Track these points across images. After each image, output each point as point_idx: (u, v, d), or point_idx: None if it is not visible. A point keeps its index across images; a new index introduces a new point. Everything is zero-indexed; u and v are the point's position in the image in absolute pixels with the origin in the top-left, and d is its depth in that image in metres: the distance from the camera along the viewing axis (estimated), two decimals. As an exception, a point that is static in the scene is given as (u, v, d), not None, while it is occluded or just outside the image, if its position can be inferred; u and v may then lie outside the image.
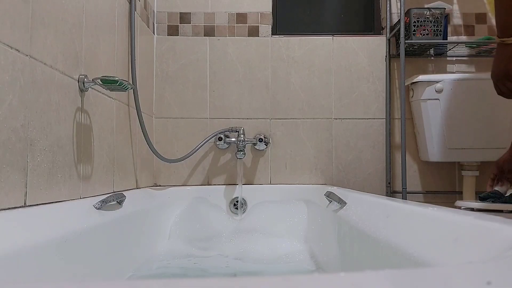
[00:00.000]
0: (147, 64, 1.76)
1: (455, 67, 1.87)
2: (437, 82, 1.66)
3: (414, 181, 1.84)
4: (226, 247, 1.45)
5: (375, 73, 1.87)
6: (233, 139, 1.80)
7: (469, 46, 1.78)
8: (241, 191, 1.78)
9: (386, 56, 1.86)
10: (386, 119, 1.84)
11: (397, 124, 1.86)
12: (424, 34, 1.69)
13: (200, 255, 1.40)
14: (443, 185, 1.84)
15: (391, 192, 1.81)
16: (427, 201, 1.83)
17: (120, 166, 1.39)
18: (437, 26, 1.68)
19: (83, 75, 1.08)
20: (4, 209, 0.76)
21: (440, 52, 1.85)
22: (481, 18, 1.87)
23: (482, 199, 1.58)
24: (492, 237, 0.48)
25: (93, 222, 0.94)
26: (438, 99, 1.67)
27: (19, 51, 0.81)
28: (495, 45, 1.72)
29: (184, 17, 1.88)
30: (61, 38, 0.98)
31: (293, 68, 1.87)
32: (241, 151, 1.72)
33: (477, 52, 1.84)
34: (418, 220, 0.69)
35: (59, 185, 0.96)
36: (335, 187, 1.52)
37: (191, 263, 1.32)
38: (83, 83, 1.07)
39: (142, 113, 1.47)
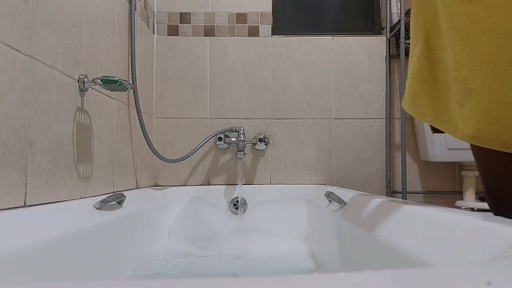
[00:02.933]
0: (147, 64, 1.76)
1: (455, 67, 1.87)
2: (437, 82, 1.66)
3: (414, 181, 1.84)
4: (225, 247, 1.45)
5: (375, 73, 1.87)
6: (233, 139, 1.80)
7: (469, 46, 1.78)
8: (241, 191, 1.78)
9: (386, 56, 1.86)
10: (386, 119, 1.84)
11: (397, 124, 1.85)
12: (424, 34, 1.68)
13: (200, 254, 1.41)
14: (443, 185, 1.84)
15: (391, 192, 1.81)
16: (427, 201, 1.83)
17: (120, 166, 1.39)
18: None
19: (83, 75, 1.08)
20: (4, 209, 0.76)
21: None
22: (481, 18, 1.87)
23: (482, 199, 1.58)
24: (492, 237, 0.48)
25: (93, 222, 0.94)
26: (438, 99, 1.67)
27: (19, 51, 0.81)
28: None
29: (184, 17, 1.88)
30: (61, 38, 0.98)
31: (293, 68, 1.87)
32: (241, 151, 1.72)
33: (477, 52, 1.83)
34: (418, 220, 0.69)
35: (59, 185, 0.96)
36: (335, 187, 1.52)
37: (190, 262, 1.32)
38: (83, 83, 1.07)
39: (142, 113, 1.47)
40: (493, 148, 0.54)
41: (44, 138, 0.90)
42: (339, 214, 1.14)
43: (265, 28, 1.88)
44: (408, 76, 0.69)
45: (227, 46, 1.87)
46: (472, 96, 0.55)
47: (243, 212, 1.76)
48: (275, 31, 1.90)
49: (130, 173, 1.50)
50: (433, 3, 0.62)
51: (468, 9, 0.54)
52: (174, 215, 1.63)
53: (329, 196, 1.29)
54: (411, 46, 0.69)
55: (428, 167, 1.85)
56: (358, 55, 1.87)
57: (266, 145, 1.84)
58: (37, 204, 0.87)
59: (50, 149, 0.93)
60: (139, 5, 1.63)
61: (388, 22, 1.85)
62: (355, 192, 1.25)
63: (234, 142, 1.79)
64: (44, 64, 0.91)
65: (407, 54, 1.77)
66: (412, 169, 1.85)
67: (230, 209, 1.78)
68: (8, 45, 0.78)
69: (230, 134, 1.82)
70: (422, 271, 0.33)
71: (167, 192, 1.69)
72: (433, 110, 0.65)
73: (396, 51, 1.85)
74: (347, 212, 1.09)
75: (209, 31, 1.88)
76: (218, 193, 1.79)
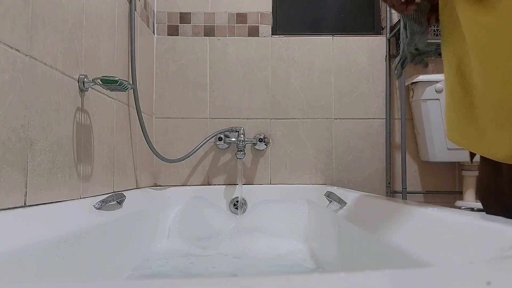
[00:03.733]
0: (147, 64, 1.76)
1: (455, 67, 1.87)
2: (437, 82, 1.66)
3: (414, 181, 1.84)
4: (225, 246, 1.45)
5: (375, 73, 1.87)
6: (233, 139, 1.80)
7: (469, 46, 1.78)
8: (241, 191, 1.78)
9: (386, 56, 1.86)
10: (386, 119, 1.84)
11: (397, 124, 1.86)
12: (424, 34, 1.68)
13: (200, 254, 1.41)
14: (443, 185, 1.84)
15: (391, 192, 1.81)
16: (427, 201, 1.83)
17: (120, 166, 1.39)
18: (437, 26, 1.68)
19: (83, 75, 1.08)
20: (4, 209, 0.76)
21: (440, 52, 1.84)
22: (481, 18, 1.87)
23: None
24: (492, 237, 0.48)
25: (93, 222, 0.94)
26: (438, 99, 1.67)
27: (19, 51, 0.81)
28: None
29: (184, 17, 1.88)
30: (61, 38, 0.98)
31: (293, 68, 1.87)
32: (241, 151, 1.72)
33: (477, 52, 1.84)
34: (418, 220, 0.69)
35: (59, 185, 0.96)
36: (335, 187, 1.52)
37: (190, 262, 1.32)
38: (83, 83, 1.07)
39: (142, 113, 1.47)
40: None
41: (44, 138, 0.90)
42: (339, 214, 1.14)
43: (265, 28, 1.88)
44: (445, 105, 0.70)
45: (227, 46, 1.87)
46: (502, 116, 0.57)
47: (243, 212, 1.76)
48: (275, 31, 1.90)
49: (130, 173, 1.50)
50: (461, 29, 0.63)
51: (487, 34, 0.56)
52: (174, 215, 1.63)
53: (329, 196, 1.29)
54: (444, 74, 0.70)
55: (428, 167, 1.85)
56: (358, 55, 1.87)
57: (266, 145, 1.84)
58: (37, 204, 0.87)
59: (50, 149, 0.93)
60: (139, 5, 1.63)
61: (388, 22, 1.85)
62: (355, 192, 1.25)
63: (234, 142, 1.79)
64: (44, 64, 0.91)
65: (407, 54, 1.77)
66: (412, 169, 1.85)
67: (230, 209, 1.78)
68: (8, 45, 0.78)
69: (230, 134, 1.82)
70: (422, 271, 0.33)
71: (167, 192, 1.69)
72: (473, 136, 0.66)
73: (396, 51, 1.85)
74: (347, 212, 1.09)
75: (209, 31, 1.88)
76: (218, 193, 1.79)
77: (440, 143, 1.68)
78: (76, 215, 0.91)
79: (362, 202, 1.07)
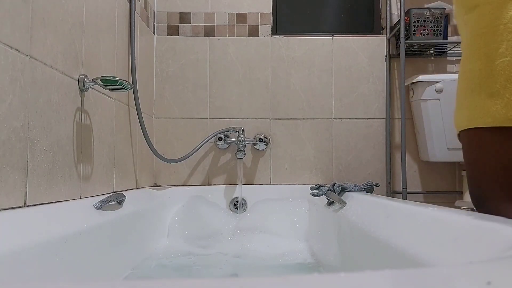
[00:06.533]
0: (147, 64, 1.76)
1: (455, 67, 1.87)
2: (437, 82, 1.66)
3: (414, 181, 1.84)
4: (225, 246, 1.45)
5: (375, 73, 1.87)
6: (233, 139, 1.80)
7: (469, 46, 1.78)
8: (241, 191, 1.78)
9: (386, 56, 1.86)
10: (386, 119, 1.84)
11: (397, 124, 1.85)
12: (424, 34, 1.69)
13: (199, 253, 1.41)
14: (443, 185, 1.84)
15: (391, 192, 1.81)
16: (427, 201, 1.83)
17: (120, 166, 1.39)
18: (437, 26, 1.68)
19: (83, 75, 1.08)
20: (4, 209, 0.76)
21: (440, 52, 1.85)
22: (481, 18, 1.87)
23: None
24: (492, 237, 0.48)
25: (93, 222, 0.94)
26: (438, 99, 1.67)
27: (19, 51, 0.81)
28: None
29: (184, 17, 1.88)
30: (61, 38, 0.98)
31: (293, 68, 1.87)
32: (241, 151, 1.72)
33: (477, 52, 1.84)
34: (418, 220, 0.69)
35: (59, 185, 0.96)
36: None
37: (190, 262, 1.32)
38: (83, 83, 1.07)
39: (142, 113, 1.47)
40: None
41: (44, 138, 0.90)
42: (339, 214, 1.14)
43: (265, 28, 1.88)
44: None
45: (227, 46, 1.87)
46: None
47: (243, 212, 1.76)
48: (275, 31, 1.90)
49: (130, 173, 1.50)
50: None
51: None
52: (174, 214, 1.63)
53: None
54: None
55: (428, 167, 1.85)
56: (358, 55, 1.87)
57: (266, 145, 1.84)
58: (37, 204, 0.87)
59: (50, 149, 0.93)
60: (139, 5, 1.63)
61: (388, 22, 1.85)
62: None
63: (234, 142, 1.79)
64: (44, 64, 0.91)
65: (407, 54, 1.78)
66: (412, 169, 1.85)
67: (230, 209, 1.77)
68: (8, 45, 0.78)
69: (230, 134, 1.82)
70: (422, 271, 0.33)
71: (167, 192, 1.69)
72: None
73: (396, 51, 1.85)
74: (347, 212, 1.09)
75: (209, 31, 1.88)
76: (218, 193, 1.79)
77: (440, 143, 1.68)
78: (76, 215, 0.91)
79: (362, 202, 1.07)
